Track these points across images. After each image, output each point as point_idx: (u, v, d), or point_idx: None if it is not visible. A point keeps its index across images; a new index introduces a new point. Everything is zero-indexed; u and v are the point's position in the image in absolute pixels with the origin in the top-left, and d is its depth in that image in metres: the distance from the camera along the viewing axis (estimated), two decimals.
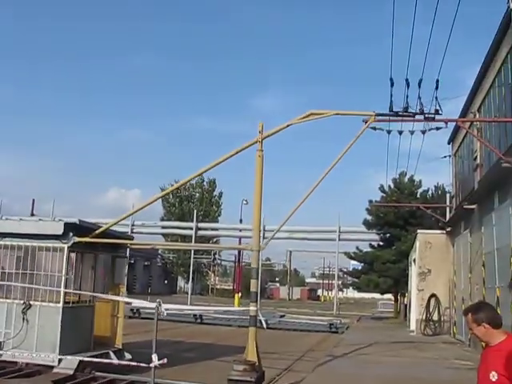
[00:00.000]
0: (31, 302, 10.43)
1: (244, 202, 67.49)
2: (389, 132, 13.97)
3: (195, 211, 56.08)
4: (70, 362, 10.07)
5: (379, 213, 38.21)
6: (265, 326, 11.55)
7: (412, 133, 14.27)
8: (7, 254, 10.99)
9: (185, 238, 59.55)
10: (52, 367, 10.16)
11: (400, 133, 14.25)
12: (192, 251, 55.01)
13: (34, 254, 10.82)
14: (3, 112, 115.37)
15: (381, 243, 40.14)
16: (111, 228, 11.99)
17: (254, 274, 9.85)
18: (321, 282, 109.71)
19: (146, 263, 76.84)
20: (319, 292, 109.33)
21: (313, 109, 10.38)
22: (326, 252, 72.85)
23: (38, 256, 10.81)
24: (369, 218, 39.48)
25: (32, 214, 61.51)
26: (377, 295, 57.36)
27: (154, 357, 5.61)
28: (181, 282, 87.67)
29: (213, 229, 58.61)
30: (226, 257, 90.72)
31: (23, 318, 10.41)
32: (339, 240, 46.92)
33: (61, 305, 10.33)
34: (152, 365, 5.65)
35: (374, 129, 13.07)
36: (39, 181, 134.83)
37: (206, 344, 17.94)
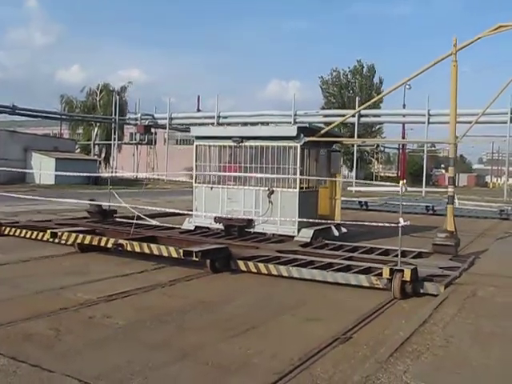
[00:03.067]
0: (274, 189, 13.64)
1: (407, 86, 66.61)
2: None
3: (356, 98, 55.17)
4: (307, 232, 13.15)
5: None
6: (457, 204, 13.88)
7: None
8: (243, 153, 14.30)
9: (346, 126, 59.75)
10: (292, 237, 13.30)
11: None
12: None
13: (268, 151, 13.72)
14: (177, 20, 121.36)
15: None
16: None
17: (451, 163, 12.13)
18: (489, 168, 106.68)
19: None
20: (487, 178, 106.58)
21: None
22: (495, 136, 70.48)
23: (275, 153, 13.67)
24: None
25: (198, 110, 65.56)
26: None
27: (401, 219, 8.27)
28: (344, 171, 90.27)
29: (375, 115, 56.05)
30: (389, 144, 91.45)
31: (268, 201, 13.61)
32: (511, 122, 44.34)
33: (297, 190, 13.36)
34: (400, 225, 8.34)
35: None
36: (203, 79, 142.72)
37: None
